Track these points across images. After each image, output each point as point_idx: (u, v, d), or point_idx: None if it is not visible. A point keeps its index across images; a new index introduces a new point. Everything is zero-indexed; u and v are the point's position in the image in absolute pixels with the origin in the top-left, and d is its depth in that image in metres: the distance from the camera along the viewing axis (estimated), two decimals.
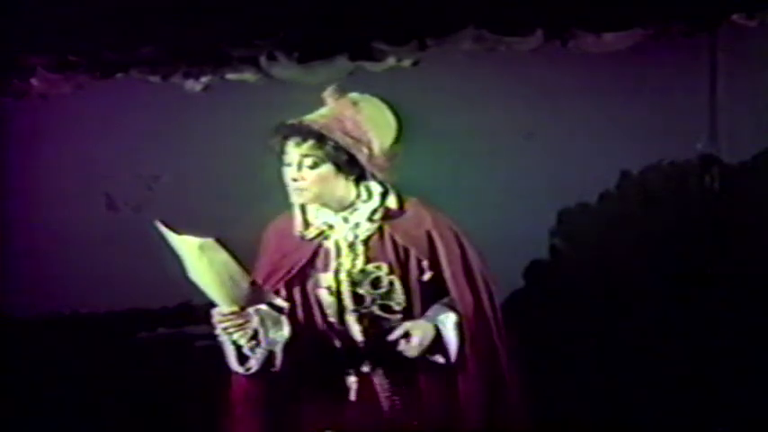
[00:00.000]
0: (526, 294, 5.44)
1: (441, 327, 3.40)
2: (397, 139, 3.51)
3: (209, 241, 3.22)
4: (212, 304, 3.38)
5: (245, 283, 3.30)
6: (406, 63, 5.41)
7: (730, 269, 5.29)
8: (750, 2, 5.17)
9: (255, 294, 3.34)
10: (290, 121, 3.43)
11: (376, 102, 3.54)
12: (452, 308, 3.43)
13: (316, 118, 3.43)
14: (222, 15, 5.20)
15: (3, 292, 5.71)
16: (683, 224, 5.40)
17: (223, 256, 3.23)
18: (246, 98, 5.35)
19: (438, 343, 3.40)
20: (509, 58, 5.38)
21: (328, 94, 3.48)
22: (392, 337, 3.37)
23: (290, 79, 5.25)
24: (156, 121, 5.57)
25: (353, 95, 3.52)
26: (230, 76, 5.49)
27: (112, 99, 5.57)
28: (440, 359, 3.41)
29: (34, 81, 5.51)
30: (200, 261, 3.22)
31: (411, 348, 3.37)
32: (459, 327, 3.40)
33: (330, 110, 3.46)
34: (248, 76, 5.47)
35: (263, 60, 5.42)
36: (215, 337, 3.42)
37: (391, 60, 5.40)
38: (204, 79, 5.50)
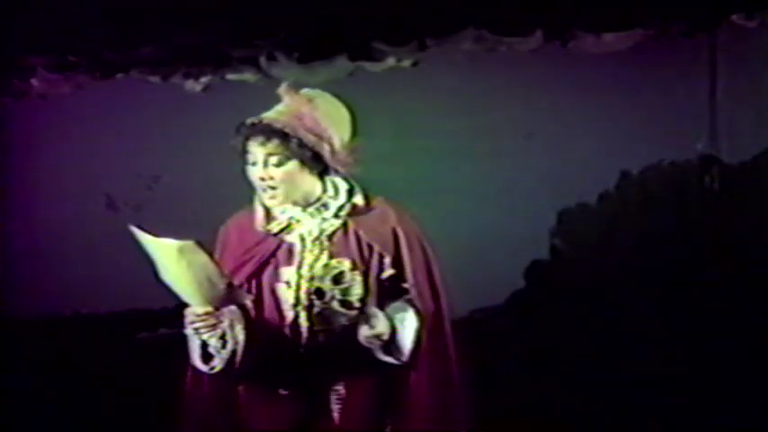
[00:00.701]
0: (526, 294, 5.45)
1: (398, 327, 3.42)
2: (354, 133, 3.52)
3: (189, 243, 3.22)
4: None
5: (221, 285, 3.30)
6: (406, 63, 5.42)
7: (730, 269, 5.30)
8: (749, 2, 5.18)
9: (231, 295, 3.35)
10: (251, 120, 3.43)
11: (329, 97, 3.55)
12: (414, 307, 3.44)
13: (276, 116, 3.43)
14: (222, 16, 5.20)
15: (3, 292, 5.71)
16: (683, 224, 5.41)
17: (202, 257, 3.23)
18: (246, 98, 5.29)
19: (392, 344, 3.42)
20: (509, 59, 5.39)
21: (283, 91, 3.50)
22: (364, 327, 3.36)
23: (289, 79, 5.21)
24: (156, 121, 5.57)
25: (307, 91, 3.52)
26: (230, 76, 5.51)
27: (112, 99, 5.57)
28: (391, 359, 3.42)
29: (34, 81, 5.52)
30: (179, 263, 3.21)
31: (371, 335, 3.37)
32: (418, 332, 3.42)
33: (287, 107, 3.46)
34: (248, 76, 5.48)
35: (263, 61, 5.43)
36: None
37: (391, 61, 5.40)
38: (204, 79, 5.51)
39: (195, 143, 5.50)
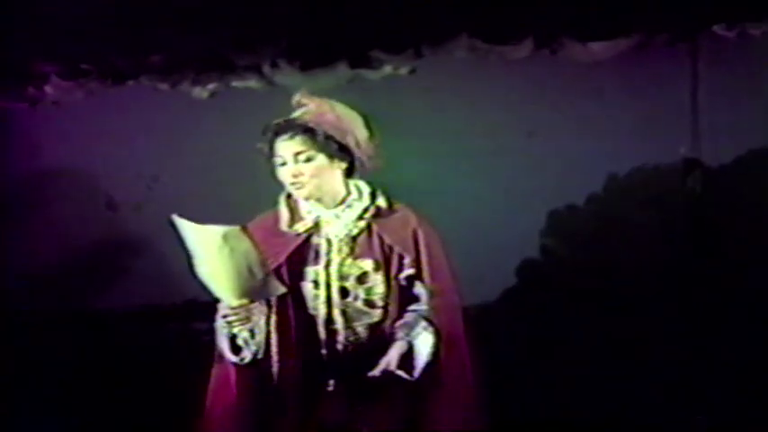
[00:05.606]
0: (520, 294, 5.52)
1: (414, 343, 3.49)
2: (372, 135, 3.61)
3: (235, 229, 3.23)
4: (211, 303, 3.45)
5: (260, 274, 3.30)
6: (403, 71, 5.50)
7: (713, 268, 5.38)
8: (729, 14, 5.28)
9: (268, 286, 3.38)
10: (276, 121, 3.53)
11: (342, 106, 3.66)
12: (430, 322, 3.53)
13: (300, 114, 3.53)
14: (228, 25, 5.28)
15: (3, 292, 5.70)
16: (667, 224, 5.48)
17: (246, 244, 3.24)
18: (251, 104, 5.38)
19: (407, 359, 3.49)
20: (500, 66, 5.46)
21: (301, 97, 3.59)
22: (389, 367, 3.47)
23: (292, 86, 5.23)
24: (164, 127, 5.63)
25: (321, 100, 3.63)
26: (235, 83, 5.58)
27: (123, 105, 5.62)
28: (403, 374, 3.46)
29: (48, 88, 5.58)
30: (221, 251, 3.22)
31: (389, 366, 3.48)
32: (436, 347, 3.49)
33: (308, 109, 3.56)
34: (252, 83, 5.55)
35: (266, 68, 5.51)
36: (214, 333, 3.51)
37: (389, 68, 5.48)
38: (211, 86, 5.57)
39: (202, 147, 5.58)
